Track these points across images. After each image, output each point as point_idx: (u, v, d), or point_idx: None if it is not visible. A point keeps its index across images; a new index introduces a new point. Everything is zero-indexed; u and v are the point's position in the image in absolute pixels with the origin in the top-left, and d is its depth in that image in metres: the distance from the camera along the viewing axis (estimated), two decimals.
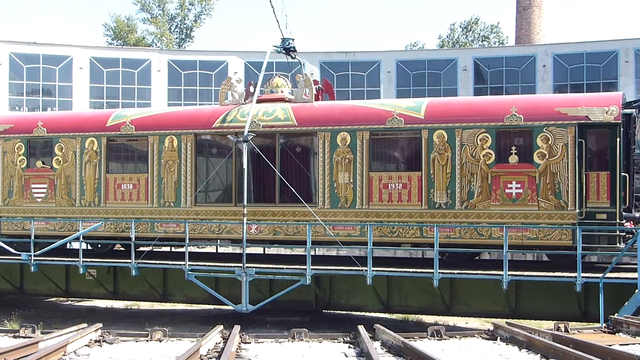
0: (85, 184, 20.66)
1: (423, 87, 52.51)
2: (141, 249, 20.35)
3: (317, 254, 21.91)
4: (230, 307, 19.39)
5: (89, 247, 21.77)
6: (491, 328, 12.51)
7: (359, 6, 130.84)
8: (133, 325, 17.85)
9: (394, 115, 18.40)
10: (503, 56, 53.99)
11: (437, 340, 11.86)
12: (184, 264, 18.59)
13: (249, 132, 18.45)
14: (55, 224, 20.83)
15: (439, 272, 16.74)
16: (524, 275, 16.71)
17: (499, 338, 11.82)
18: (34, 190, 21.20)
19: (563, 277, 16.44)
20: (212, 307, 21.66)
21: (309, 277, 17.62)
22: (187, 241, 18.72)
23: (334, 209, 18.64)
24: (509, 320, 14.67)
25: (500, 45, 74.33)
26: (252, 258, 19.11)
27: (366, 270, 17.19)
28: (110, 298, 22.18)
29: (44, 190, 21.08)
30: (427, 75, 53.55)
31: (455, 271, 17.12)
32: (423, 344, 11.36)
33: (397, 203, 18.25)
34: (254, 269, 18.10)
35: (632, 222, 17.75)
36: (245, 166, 18.22)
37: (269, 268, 18.33)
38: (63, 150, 20.96)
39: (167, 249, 22.80)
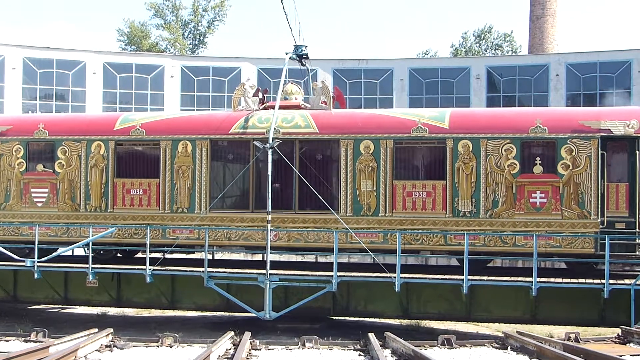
0: (91, 188, 20.26)
1: (436, 95, 52.37)
2: (152, 255, 20.09)
3: (329, 260, 21.78)
4: (240, 314, 19.30)
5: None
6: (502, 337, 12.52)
7: (372, 14, 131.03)
8: (144, 331, 17.71)
9: (418, 124, 18.63)
10: (516, 65, 53.77)
11: (448, 348, 11.93)
12: (202, 271, 18.32)
13: (273, 138, 18.42)
14: (57, 230, 20.25)
15: (468, 279, 16.90)
16: (551, 282, 16.85)
17: (509, 347, 11.86)
18: (33, 195, 20.63)
19: (591, 284, 16.70)
20: (222, 314, 21.59)
21: (336, 284, 17.57)
22: (207, 247, 18.49)
23: (357, 217, 18.67)
24: (519, 330, 14.68)
25: (513, 54, 74.20)
26: (261, 265, 19.12)
27: (394, 277, 17.24)
28: (113, 305, 21.65)
29: (45, 195, 20.57)
30: (440, 84, 53.39)
31: (484, 278, 17.35)
32: (434, 353, 11.40)
33: (422, 211, 18.44)
34: (277, 276, 17.94)
35: None
36: (269, 172, 18.11)
37: (293, 275, 18.17)
38: (67, 154, 20.46)
39: (172, 255, 22.55)
